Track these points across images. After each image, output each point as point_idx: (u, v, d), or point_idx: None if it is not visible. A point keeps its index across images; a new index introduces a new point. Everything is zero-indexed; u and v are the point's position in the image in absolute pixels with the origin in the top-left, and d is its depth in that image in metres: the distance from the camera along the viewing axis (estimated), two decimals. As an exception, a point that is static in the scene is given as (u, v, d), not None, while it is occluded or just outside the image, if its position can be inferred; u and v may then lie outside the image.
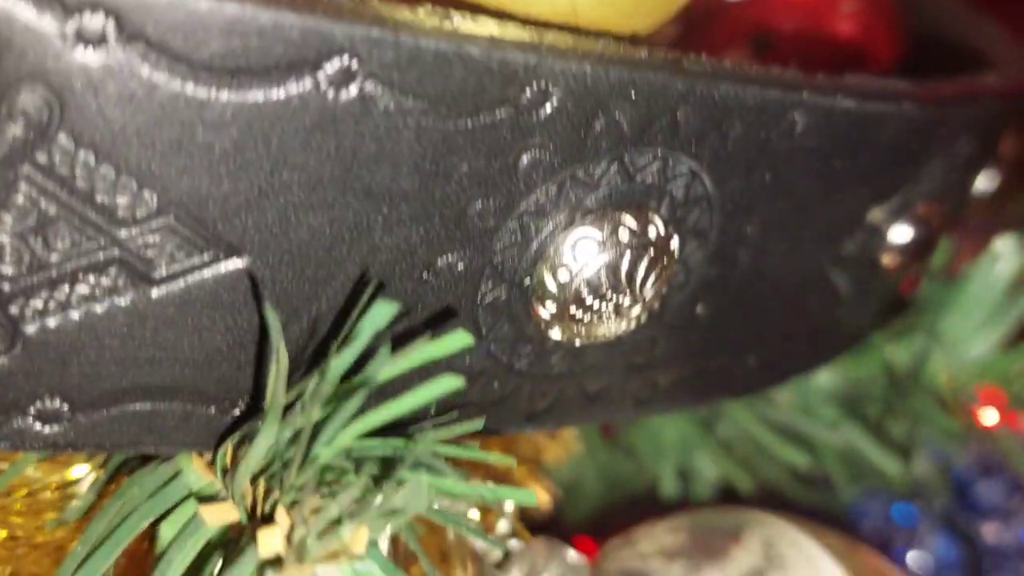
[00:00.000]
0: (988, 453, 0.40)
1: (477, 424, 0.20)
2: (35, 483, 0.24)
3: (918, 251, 0.30)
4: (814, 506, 0.40)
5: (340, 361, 0.17)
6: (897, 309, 0.35)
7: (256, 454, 0.17)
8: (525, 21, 0.21)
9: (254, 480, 0.19)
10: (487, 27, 0.19)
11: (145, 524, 0.21)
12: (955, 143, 0.28)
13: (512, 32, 0.19)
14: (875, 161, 0.26)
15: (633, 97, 0.20)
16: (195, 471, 0.22)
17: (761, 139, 0.22)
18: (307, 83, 0.17)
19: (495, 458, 0.19)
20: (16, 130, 0.16)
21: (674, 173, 0.22)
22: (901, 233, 0.29)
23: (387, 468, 0.18)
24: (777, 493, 0.40)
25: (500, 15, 0.21)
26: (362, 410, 0.18)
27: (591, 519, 0.39)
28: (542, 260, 0.22)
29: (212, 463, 0.21)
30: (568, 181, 0.21)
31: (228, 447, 0.20)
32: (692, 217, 0.23)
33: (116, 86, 0.16)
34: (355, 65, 0.17)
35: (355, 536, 0.16)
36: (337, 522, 0.16)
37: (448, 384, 0.18)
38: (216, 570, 0.18)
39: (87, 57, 0.16)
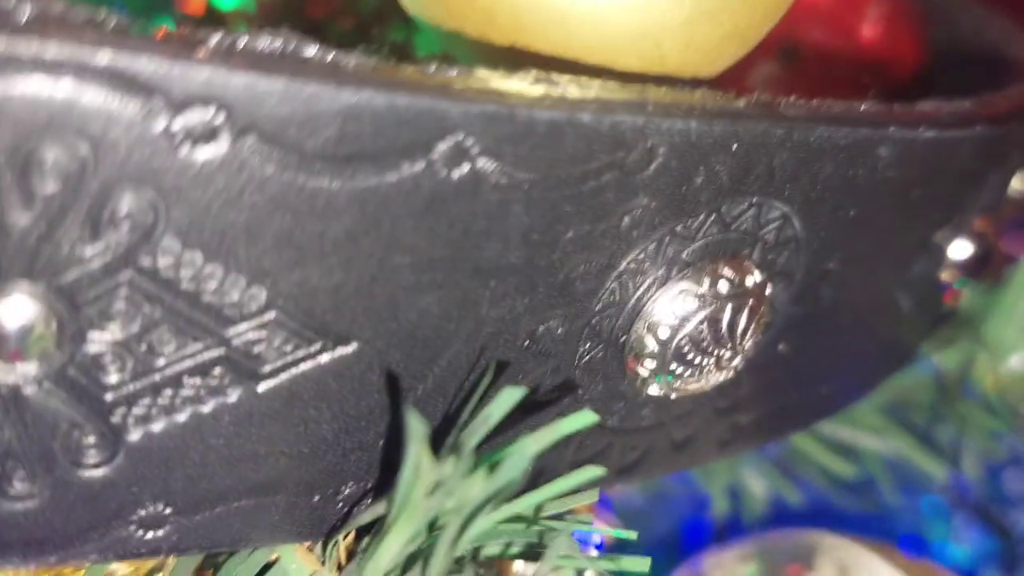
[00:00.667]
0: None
1: (594, 495, 0.19)
2: (115, 572, 0.23)
3: (977, 266, 0.30)
4: (860, 511, 0.40)
5: (471, 448, 0.16)
6: (943, 319, 0.35)
7: (389, 552, 0.16)
8: (617, 74, 0.20)
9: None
10: (591, 89, 0.18)
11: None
12: (1009, 156, 0.28)
13: (615, 91, 0.18)
14: (946, 184, 0.25)
15: (734, 148, 0.19)
16: (297, 559, 0.21)
17: (848, 176, 0.22)
18: (420, 164, 0.16)
19: (626, 534, 0.19)
20: (119, 236, 0.15)
21: (767, 219, 0.21)
22: (960, 249, 0.29)
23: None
24: (824, 503, 0.40)
25: (593, 70, 0.20)
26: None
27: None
28: (640, 318, 0.21)
29: (313, 548, 0.20)
30: (667, 236, 0.20)
31: (339, 539, 0.19)
32: (781, 260, 0.22)
33: (226, 181, 0.15)
34: (469, 142, 0.16)
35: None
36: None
37: (586, 419, 0.18)
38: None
39: (196, 154, 0.15)
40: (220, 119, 0.15)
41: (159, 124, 0.15)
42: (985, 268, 0.30)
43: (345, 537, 0.20)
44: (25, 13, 0.13)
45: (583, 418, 0.18)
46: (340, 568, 0.19)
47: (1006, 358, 0.36)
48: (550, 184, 0.18)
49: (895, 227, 0.25)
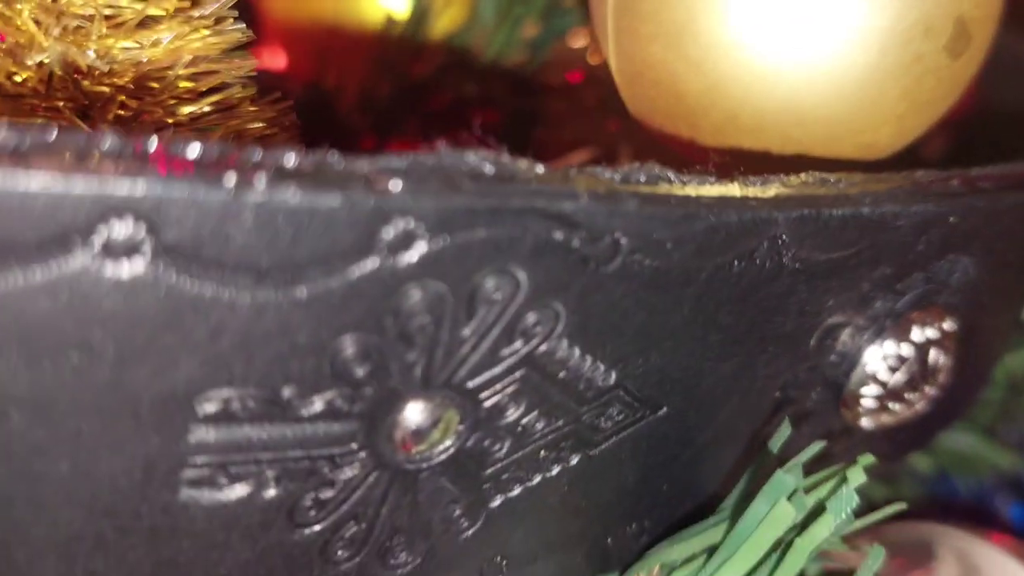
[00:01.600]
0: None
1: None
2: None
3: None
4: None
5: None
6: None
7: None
8: (832, 161, 0.23)
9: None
10: (858, 184, 0.21)
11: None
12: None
13: (881, 182, 0.21)
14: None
15: (951, 220, 0.23)
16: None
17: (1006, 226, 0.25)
18: (745, 260, 0.19)
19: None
20: (527, 342, 0.18)
21: (955, 268, 0.25)
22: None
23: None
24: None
25: (813, 160, 0.23)
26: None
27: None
28: (859, 365, 0.24)
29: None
30: (889, 294, 0.23)
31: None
32: (961, 302, 0.26)
33: (622, 291, 0.18)
34: (783, 239, 0.19)
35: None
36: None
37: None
38: None
39: (606, 268, 0.18)
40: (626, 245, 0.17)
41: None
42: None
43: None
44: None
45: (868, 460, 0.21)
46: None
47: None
48: (830, 266, 0.21)
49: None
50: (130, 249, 0.13)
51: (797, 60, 0.22)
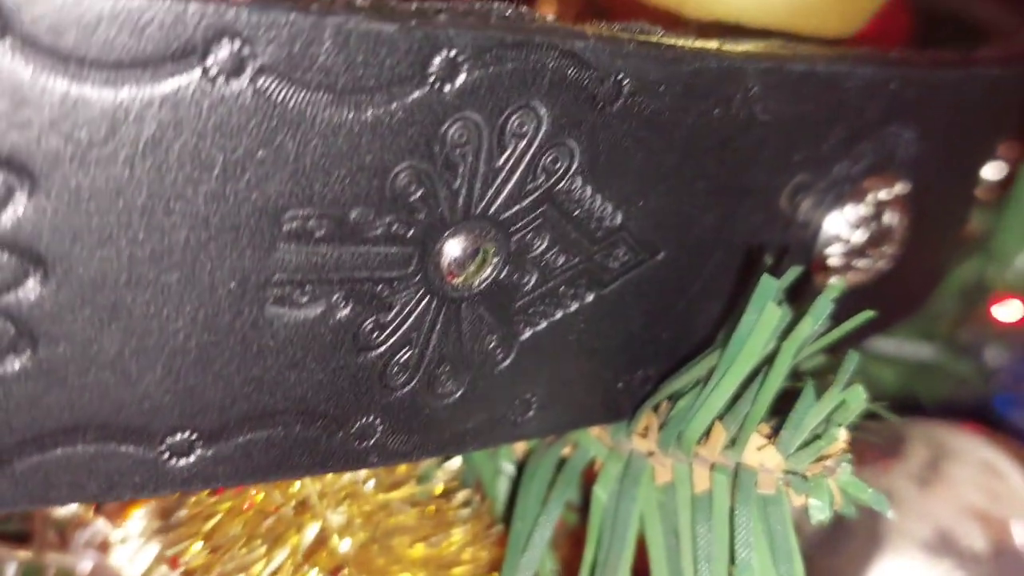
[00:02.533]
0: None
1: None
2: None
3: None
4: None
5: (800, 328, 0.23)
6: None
7: (724, 392, 0.23)
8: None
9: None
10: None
11: (569, 493, 0.26)
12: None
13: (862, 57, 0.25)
14: (992, 115, 0.33)
15: (891, 87, 0.26)
16: (594, 440, 0.27)
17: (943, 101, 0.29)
18: (722, 107, 0.23)
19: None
20: (547, 177, 0.21)
21: (899, 139, 0.28)
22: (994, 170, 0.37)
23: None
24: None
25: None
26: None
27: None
28: (823, 227, 0.28)
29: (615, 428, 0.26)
30: (846, 159, 0.27)
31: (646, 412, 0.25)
32: (912, 171, 0.29)
33: (625, 128, 0.21)
34: (753, 91, 0.23)
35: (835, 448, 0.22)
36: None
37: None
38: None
39: (612, 107, 0.21)
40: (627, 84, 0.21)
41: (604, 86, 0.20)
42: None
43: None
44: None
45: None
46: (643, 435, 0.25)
47: (1011, 262, 0.45)
48: (794, 122, 0.24)
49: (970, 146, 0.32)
50: (236, 68, 0.16)
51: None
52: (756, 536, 0.22)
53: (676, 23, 0.27)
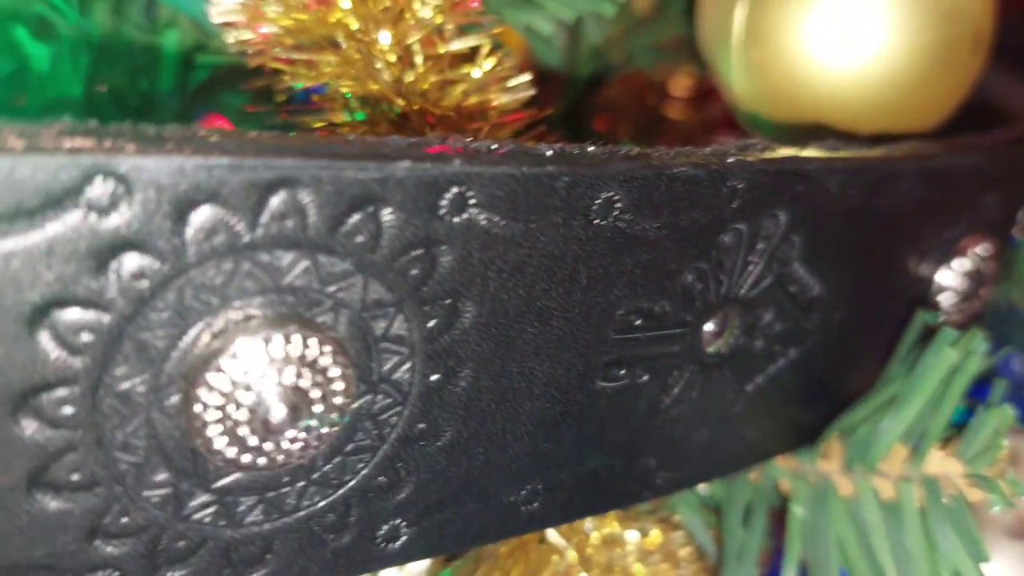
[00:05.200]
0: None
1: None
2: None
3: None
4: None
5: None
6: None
7: (903, 420, 0.29)
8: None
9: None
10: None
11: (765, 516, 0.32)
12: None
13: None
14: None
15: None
16: (777, 467, 0.33)
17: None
18: (885, 200, 0.29)
19: None
20: (771, 260, 0.27)
21: (986, 204, 0.35)
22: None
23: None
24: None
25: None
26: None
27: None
28: (933, 284, 0.34)
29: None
30: None
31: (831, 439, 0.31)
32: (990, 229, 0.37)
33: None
34: (903, 186, 0.30)
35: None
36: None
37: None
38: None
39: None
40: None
41: None
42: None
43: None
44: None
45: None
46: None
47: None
48: (930, 205, 0.31)
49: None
50: (606, 210, 0.23)
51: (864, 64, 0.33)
52: (947, 529, 0.29)
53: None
